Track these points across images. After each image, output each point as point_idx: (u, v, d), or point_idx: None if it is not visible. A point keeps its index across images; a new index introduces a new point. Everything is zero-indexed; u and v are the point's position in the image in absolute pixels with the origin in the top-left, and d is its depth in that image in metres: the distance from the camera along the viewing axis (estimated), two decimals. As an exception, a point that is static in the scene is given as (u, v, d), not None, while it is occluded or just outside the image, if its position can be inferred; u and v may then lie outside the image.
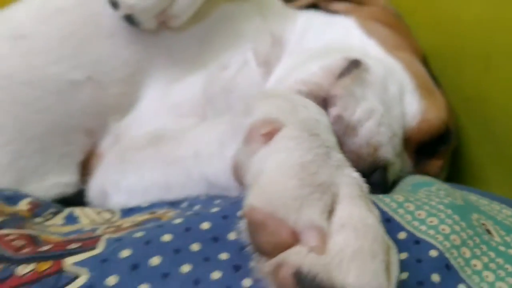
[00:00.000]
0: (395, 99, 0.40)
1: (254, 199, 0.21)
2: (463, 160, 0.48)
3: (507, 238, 0.30)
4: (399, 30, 0.48)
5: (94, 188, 0.41)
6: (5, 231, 0.28)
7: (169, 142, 0.37)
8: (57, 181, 0.42)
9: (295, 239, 0.20)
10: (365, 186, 0.24)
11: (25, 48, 0.41)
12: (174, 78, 0.44)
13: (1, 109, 0.40)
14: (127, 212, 0.35)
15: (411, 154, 0.40)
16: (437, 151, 0.42)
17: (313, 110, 0.30)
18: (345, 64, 0.39)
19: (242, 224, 0.23)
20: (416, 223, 0.28)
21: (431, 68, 0.48)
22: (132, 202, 0.36)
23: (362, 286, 0.19)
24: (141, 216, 0.32)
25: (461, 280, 0.26)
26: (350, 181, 0.23)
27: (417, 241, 0.26)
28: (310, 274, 0.19)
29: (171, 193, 0.35)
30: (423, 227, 0.28)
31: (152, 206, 0.35)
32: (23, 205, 0.34)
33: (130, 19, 0.41)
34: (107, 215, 0.34)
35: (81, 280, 0.24)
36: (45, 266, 0.25)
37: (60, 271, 0.24)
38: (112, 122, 0.43)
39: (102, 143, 0.43)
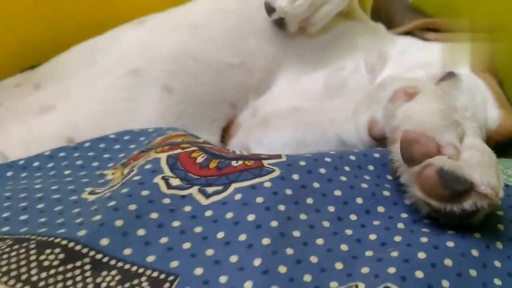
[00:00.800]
0: (480, 105, 0.51)
1: (409, 125, 0.32)
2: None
3: None
4: (479, 54, 0.59)
5: (236, 145, 0.53)
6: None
7: (306, 112, 0.49)
8: (206, 139, 0.54)
9: (439, 150, 0.31)
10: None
11: (198, 36, 0.54)
12: (301, 72, 0.56)
13: (177, 77, 0.53)
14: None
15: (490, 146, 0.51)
16: (509, 151, 0.52)
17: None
18: (444, 73, 0.50)
19: (394, 147, 0.34)
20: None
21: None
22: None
23: (482, 181, 0.29)
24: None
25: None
26: (471, 125, 0.34)
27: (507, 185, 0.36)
28: (449, 170, 0.30)
29: (306, 149, 0.46)
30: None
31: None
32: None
33: (279, 23, 0.54)
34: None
35: (276, 173, 0.35)
36: (249, 163, 0.36)
37: (261, 166, 0.36)
38: (251, 99, 0.55)
39: (241, 115, 0.56)
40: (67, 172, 0.41)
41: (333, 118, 0.46)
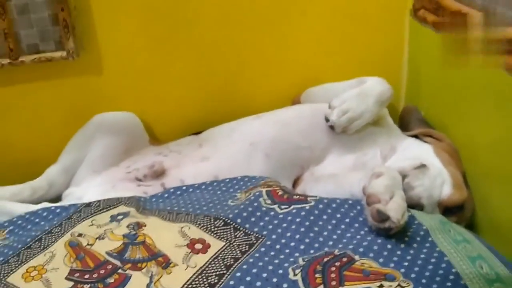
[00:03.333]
0: (438, 185, 0.91)
1: (370, 190, 0.75)
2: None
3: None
4: (453, 154, 0.99)
5: (299, 190, 0.97)
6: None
7: (339, 177, 0.93)
8: (284, 185, 0.99)
9: (379, 201, 0.74)
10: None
11: (287, 128, 1.00)
12: (341, 154, 1.00)
13: (273, 150, 0.99)
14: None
15: (440, 210, 0.90)
16: (455, 213, 0.91)
17: (398, 176, 0.83)
18: (419, 164, 0.91)
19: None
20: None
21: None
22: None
23: (394, 215, 0.71)
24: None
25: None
26: (399, 193, 0.76)
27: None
28: (380, 210, 0.72)
29: (335, 197, 0.90)
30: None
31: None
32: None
33: (331, 127, 0.99)
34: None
35: (312, 203, 0.79)
36: (302, 197, 0.81)
37: (306, 199, 0.80)
38: (311, 166, 1.00)
39: (304, 174, 1.00)
40: (218, 192, 0.89)
41: (351, 182, 0.89)
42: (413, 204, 0.85)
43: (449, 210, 0.90)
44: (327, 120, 0.99)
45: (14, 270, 0.70)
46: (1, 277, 0.69)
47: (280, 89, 1.15)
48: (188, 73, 1.11)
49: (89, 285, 0.66)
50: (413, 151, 1.00)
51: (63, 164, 1.05)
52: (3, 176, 1.04)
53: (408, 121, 1.13)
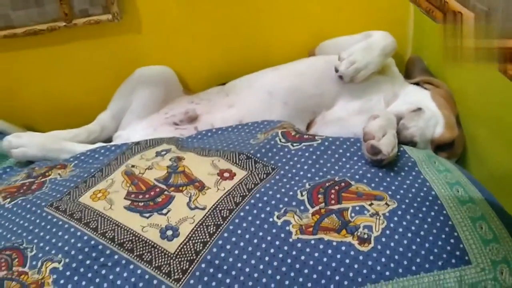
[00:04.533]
0: (432, 125, 1.05)
1: (367, 129, 0.91)
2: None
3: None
4: (448, 99, 1.12)
5: (311, 132, 1.13)
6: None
7: (346, 120, 1.09)
8: (298, 128, 1.15)
9: (373, 138, 0.89)
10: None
11: (301, 78, 1.16)
12: (348, 100, 1.15)
13: (289, 98, 1.14)
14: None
15: (432, 147, 1.05)
16: (446, 149, 1.06)
17: (392, 118, 0.98)
18: (415, 108, 1.06)
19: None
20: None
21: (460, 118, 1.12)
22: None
23: (385, 149, 0.87)
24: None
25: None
26: (391, 131, 0.91)
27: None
28: (374, 144, 0.88)
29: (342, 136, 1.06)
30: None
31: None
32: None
33: (340, 77, 1.13)
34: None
35: (319, 141, 0.96)
36: (312, 137, 0.97)
37: (314, 138, 0.97)
38: (323, 111, 1.16)
39: (317, 118, 1.16)
40: (242, 133, 1.06)
41: (355, 125, 1.05)
42: (407, 142, 1.00)
43: (441, 147, 1.05)
44: (336, 70, 1.13)
45: (83, 193, 0.90)
46: (74, 198, 0.89)
47: (297, 43, 1.29)
48: (215, 31, 1.26)
49: (142, 203, 0.86)
50: (412, 96, 1.14)
51: (112, 111, 1.24)
52: (62, 122, 1.24)
53: (412, 70, 1.27)
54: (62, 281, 0.78)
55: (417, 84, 1.20)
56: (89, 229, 0.82)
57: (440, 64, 1.21)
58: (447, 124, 1.07)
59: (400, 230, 0.80)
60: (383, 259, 0.77)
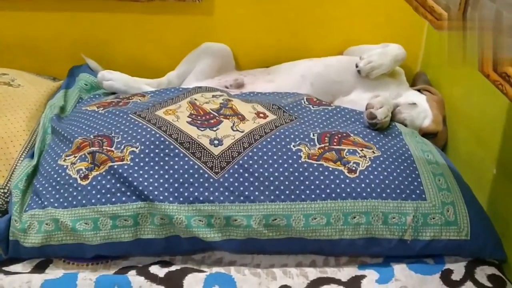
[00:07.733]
0: (421, 117, 1.37)
1: (371, 101, 1.24)
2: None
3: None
4: (440, 103, 1.44)
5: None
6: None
7: (356, 102, 1.42)
8: (320, 105, 1.48)
9: (373, 107, 1.22)
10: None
11: (328, 69, 1.49)
12: (362, 91, 1.48)
13: (316, 81, 1.48)
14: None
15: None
16: (430, 138, 1.37)
17: (390, 100, 1.31)
18: (411, 102, 1.38)
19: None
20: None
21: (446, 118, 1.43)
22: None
23: (380, 116, 1.20)
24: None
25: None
26: (386, 107, 1.24)
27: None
28: (372, 113, 1.20)
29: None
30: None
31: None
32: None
33: (359, 71, 1.46)
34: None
35: (332, 107, 1.29)
36: (327, 104, 1.31)
37: (330, 104, 1.30)
38: (341, 96, 1.49)
39: (335, 102, 1.49)
40: (276, 97, 1.40)
41: (363, 104, 1.37)
42: (399, 124, 1.32)
43: (426, 136, 1.37)
44: (356, 66, 1.47)
45: (159, 109, 1.25)
46: (152, 111, 1.24)
47: (329, 45, 1.64)
48: (268, 25, 1.62)
49: (200, 121, 1.20)
50: (411, 97, 1.47)
51: (179, 72, 1.60)
52: (138, 77, 1.60)
53: (417, 80, 1.60)
54: (137, 160, 1.12)
55: (418, 90, 1.52)
56: (160, 131, 1.17)
57: (438, 80, 1.53)
58: (434, 119, 1.39)
59: (379, 169, 1.12)
60: (362, 185, 1.09)
